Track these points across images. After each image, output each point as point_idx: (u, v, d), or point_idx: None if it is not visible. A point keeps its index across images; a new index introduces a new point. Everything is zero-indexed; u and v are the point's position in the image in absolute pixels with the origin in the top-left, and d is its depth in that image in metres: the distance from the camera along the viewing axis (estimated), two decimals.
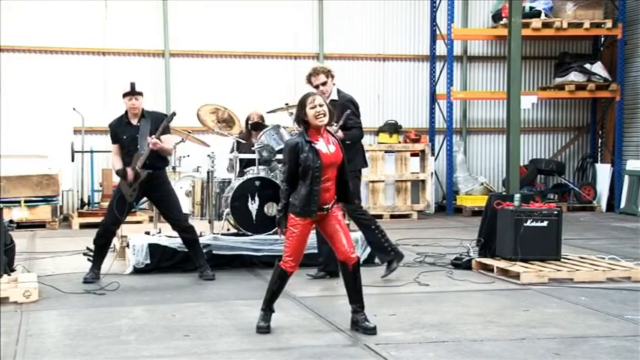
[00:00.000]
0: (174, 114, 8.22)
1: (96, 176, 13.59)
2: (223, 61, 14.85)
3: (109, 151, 8.83)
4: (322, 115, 5.89)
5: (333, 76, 8.07)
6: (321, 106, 5.90)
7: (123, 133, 7.99)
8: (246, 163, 9.47)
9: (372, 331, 5.90)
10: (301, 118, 5.95)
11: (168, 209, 8.13)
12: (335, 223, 5.99)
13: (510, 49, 9.45)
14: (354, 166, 7.89)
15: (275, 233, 8.85)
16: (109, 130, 8.15)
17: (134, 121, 7.99)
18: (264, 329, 5.94)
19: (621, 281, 8.09)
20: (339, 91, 8.19)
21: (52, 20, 14.04)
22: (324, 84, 8.00)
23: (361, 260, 8.76)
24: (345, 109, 7.96)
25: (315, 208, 5.85)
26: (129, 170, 7.87)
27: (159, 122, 7.99)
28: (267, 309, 6.04)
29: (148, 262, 8.46)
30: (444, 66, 15.32)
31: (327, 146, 5.94)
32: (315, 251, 8.64)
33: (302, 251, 6.02)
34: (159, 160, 8.04)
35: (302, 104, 5.93)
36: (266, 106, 10.33)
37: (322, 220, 6.02)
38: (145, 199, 9.77)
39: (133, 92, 7.90)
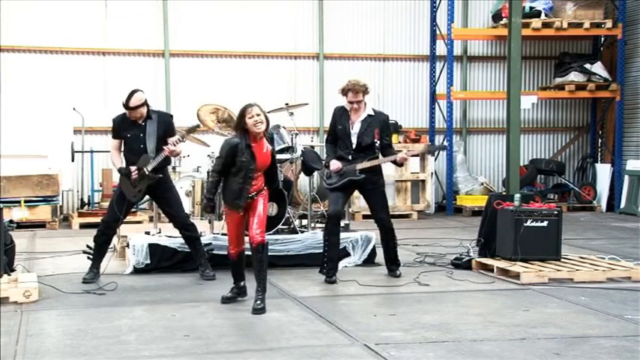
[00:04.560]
0: (198, 126, 8.52)
1: (96, 176, 13.58)
2: (223, 61, 14.85)
3: (110, 151, 8.81)
4: (260, 124, 6.68)
5: (367, 93, 8.10)
6: (258, 115, 6.68)
7: (127, 130, 7.95)
8: None
9: (260, 310, 6.55)
10: (241, 127, 6.71)
11: (169, 206, 8.12)
12: (254, 207, 6.75)
13: (510, 49, 9.45)
14: (382, 185, 8.16)
15: (276, 233, 8.87)
16: (112, 124, 8.09)
17: (139, 121, 7.96)
18: (224, 299, 6.96)
19: (621, 281, 8.09)
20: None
21: (52, 20, 14.04)
22: (359, 102, 8.02)
23: (361, 260, 8.93)
24: (384, 125, 8.12)
25: (242, 203, 6.71)
26: (133, 169, 7.85)
27: (166, 124, 8.00)
28: (234, 283, 7.07)
29: (148, 262, 8.46)
30: (444, 66, 15.33)
31: (261, 151, 6.74)
32: (317, 251, 8.65)
33: (240, 234, 6.92)
34: (163, 160, 8.03)
35: (242, 115, 6.71)
36: (266, 106, 10.31)
37: (249, 203, 6.78)
38: (146, 197, 9.79)
39: (127, 107, 7.86)
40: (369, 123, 8.01)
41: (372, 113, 8.08)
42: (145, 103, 7.89)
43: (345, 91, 8.03)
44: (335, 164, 8.01)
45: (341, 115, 8.12)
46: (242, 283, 7.06)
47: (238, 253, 6.97)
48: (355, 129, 8.02)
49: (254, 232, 6.68)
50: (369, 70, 15.29)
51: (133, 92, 7.87)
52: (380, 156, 8.06)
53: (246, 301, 7.02)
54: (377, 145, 8.00)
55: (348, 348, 5.59)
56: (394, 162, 8.19)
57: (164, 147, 7.86)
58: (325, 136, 8.55)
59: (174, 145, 7.91)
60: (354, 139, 8.02)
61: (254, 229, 6.69)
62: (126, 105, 7.85)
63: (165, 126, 8.00)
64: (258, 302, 6.61)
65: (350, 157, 8.01)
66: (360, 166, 7.96)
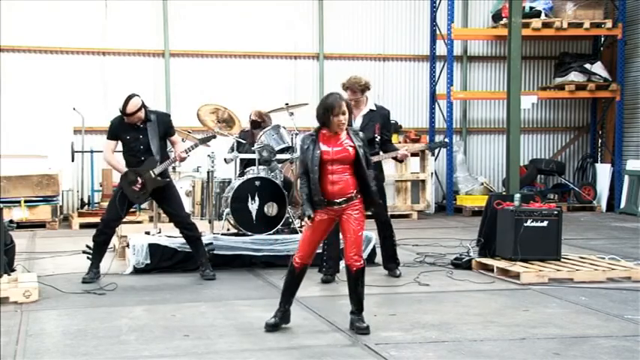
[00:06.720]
0: (214, 137, 8.60)
1: (96, 176, 13.58)
2: (223, 61, 14.85)
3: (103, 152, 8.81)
4: (344, 125, 5.91)
5: (369, 89, 8.05)
6: (344, 114, 5.86)
7: (125, 132, 7.95)
8: (246, 163, 9.47)
9: (364, 330, 5.90)
10: (323, 121, 5.91)
11: (170, 206, 8.13)
12: (347, 223, 5.95)
13: (510, 49, 9.45)
14: (382, 180, 8.16)
15: (276, 233, 8.87)
16: (110, 125, 8.10)
17: (138, 123, 7.95)
18: (269, 326, 5.99)
19: (621, 281, 8.09)
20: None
21: (52, 20, 14.04)
22: (357, 100, 7.95)
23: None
24: (386, 120, 8.12)
25: (317, 199, 5.85)
26: (139, 181, 7.87)
27: (165, 124, 8.02)
28: (280, 304, 6.09)
29: (148, 262, 8.46)
30: (444, 66, 15.32)
31: (335, 142, 5.93)
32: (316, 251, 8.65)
33: (312, 246, 6.06)
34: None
35: (330, 109, 5.85)
36: (266, 106, 10.34)
37: (340, 219, 5.99)
38: None
39: (124, 114, 7.85)
40: (370, 117, 8.03)
41: (374, 108, 8.09)
42: (142, 107, 7.89)
43: (344, 88, 8.03)
44: None
45: None
46: (288, 307, 6.12)
47: (303, 266, 6.10)
48: (357, 123, 7.99)
49: (349, 254, 5.94)
50: (369, 70, 15.25)
51: (129, 98, 7.86)
52: (381, 152, 8.06)
53: (246, 301, 7.02)
54: (377, 140, 7.99)
55: (348, 348, 5.59)
56: (395, 158, 8.22)
57: (172, 152, 7.89)
58: None
59: (186, 153, 7.97)
60: None
61: (349, 250, 5.95)
62: (123, 111, 7.85)
63: (165, 126, 8.02)
64: (361, 322, 5.97)
65: None
66: None
